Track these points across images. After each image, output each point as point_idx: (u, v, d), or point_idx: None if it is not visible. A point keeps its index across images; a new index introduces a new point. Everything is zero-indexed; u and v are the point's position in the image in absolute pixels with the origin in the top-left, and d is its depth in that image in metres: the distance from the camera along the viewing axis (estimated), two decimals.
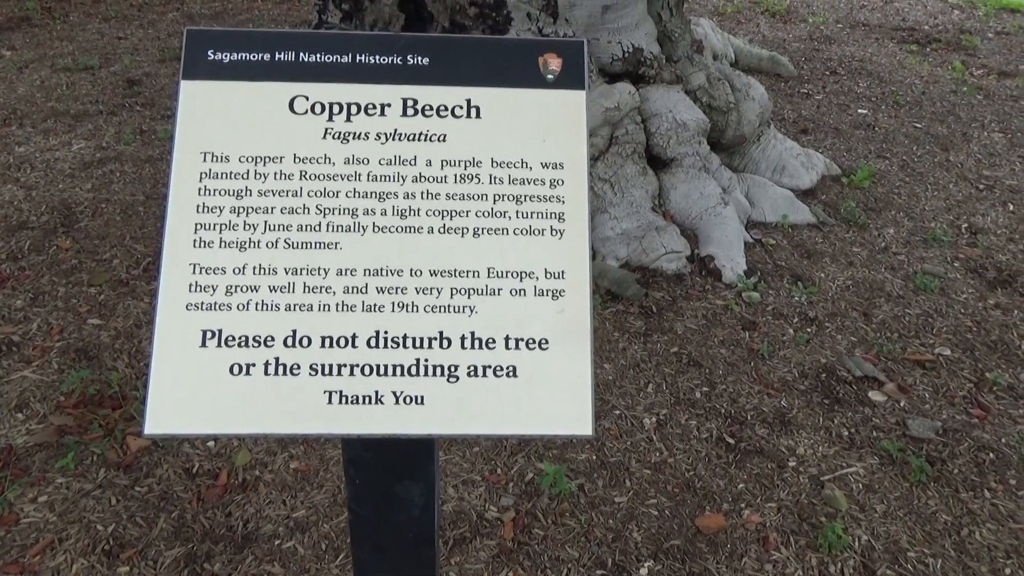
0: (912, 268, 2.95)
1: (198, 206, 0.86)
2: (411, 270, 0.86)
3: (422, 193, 0.88)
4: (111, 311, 2.37)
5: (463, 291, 0.87)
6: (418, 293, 0.86)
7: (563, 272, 0.91)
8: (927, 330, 2.58)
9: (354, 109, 0.88)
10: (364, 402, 0.83)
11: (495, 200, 0.89)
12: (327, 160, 0.87)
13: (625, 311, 2.52)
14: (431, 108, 0.90)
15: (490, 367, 0.85)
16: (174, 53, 5.18)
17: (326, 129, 0.88)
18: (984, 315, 2.69)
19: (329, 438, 0.74)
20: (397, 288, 0.86)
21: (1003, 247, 3.17)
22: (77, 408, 1.97)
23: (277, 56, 0.88)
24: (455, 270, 0.87)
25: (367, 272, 0.86)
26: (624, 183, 2.86)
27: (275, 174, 0.87)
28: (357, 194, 0.87)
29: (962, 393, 2.29)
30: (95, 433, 1.90)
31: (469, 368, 0.85)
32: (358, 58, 0.89)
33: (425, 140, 0.89)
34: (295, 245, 0.86)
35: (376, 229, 0.87)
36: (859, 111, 4.66)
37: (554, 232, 0.91)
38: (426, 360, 0.85)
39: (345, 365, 0.84)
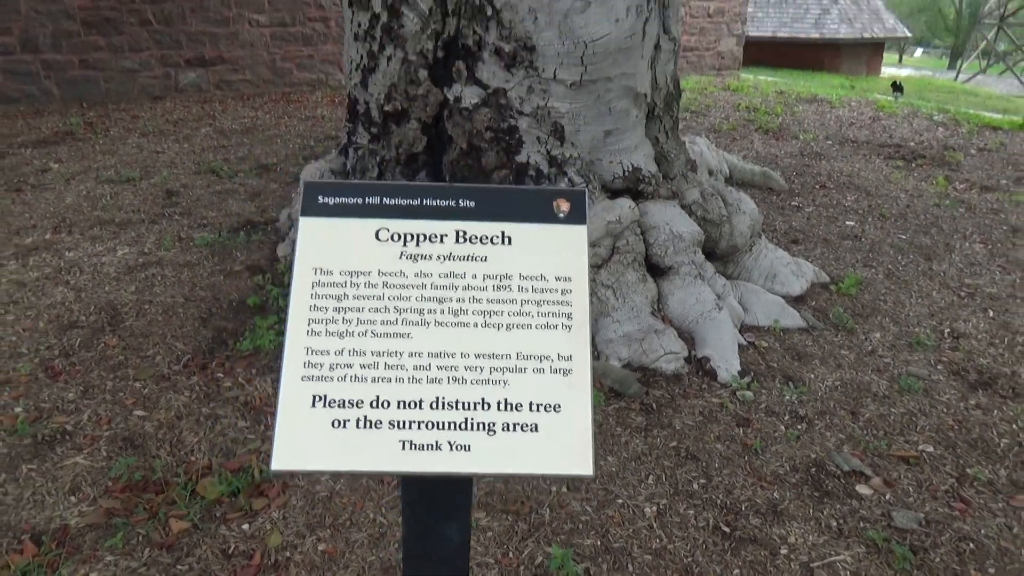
0: (897, 370, 3.14)
1: (310, 306, 1.17)
2: (461, 353, 1.16)
3: (469, 298, 1.20)
4: (154, 403, 2.57)
5: (499, 369, 1.16)
6: (466, 370, 1.16)
7: (571, 356, 1.19)
8: (911, 428, 2.75)
9: (421, 237, 1.22)
10: (427, 449, 1.12)
11: (522, 304, 1.21)
12: (401, 274, 1.20)
13: (627, 408, 2.71)
14: (476, 237, 1.23)
15: (518, 424, 1.14)
16: (208, 166, 5.59)
17: (401, 252, 1.21)
18: (965, 415, 2.86)
19: (402, 475, 0.96)
20: (451, 367, 1.16)
21: (984, 351, 3.37)
22: (124, 492, 2.14)
23: (367, 200, 1.20)
24: (493, 354, 1.17)
25: (430, 355, 1.16)
26: (625, 289, 3.11)
27: (364, 283, 1.19)
28: (423, 299, 1.19)
29: (944, 487, 2.44)
30: (140, 515, 2.07)
31: (503, 425, 1.14)
32: (424, 201, 1.20)
33: (472, 260, 1.22)
34: (379, 335, 1.17)
35: (436, 324, 1.18)
36: (847, 223, 4.97)
37: (564, 327, 1.19)
38: (472, 419, 1.14)
39: (414, 422, 1.14)
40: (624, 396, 2.76)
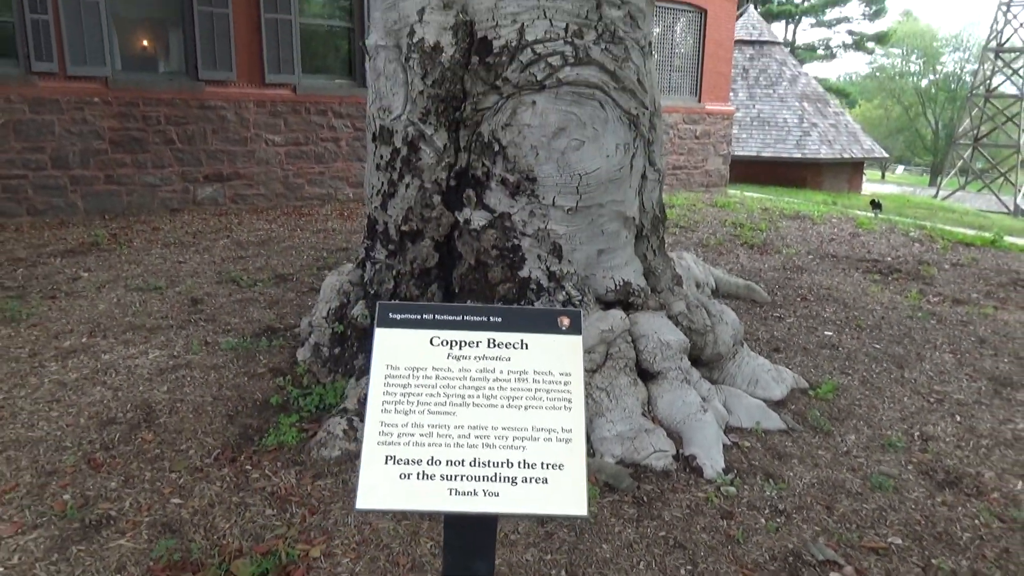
0: (870, 469, 3.40)
1: (384, 392, 1.54)
2: (491, 427, 1.53)
3: (498, 387, 1.58)
4: (189, 492, 2.82)
5: (519, 438, 1.53)
6: (496, 439, 1.52)
7: (571, 429, 1.56)
8: (882, 522, 3.00)
9: (463, 343, 1.60)
10: (467, 494, 1.47)
11: (535, 392, 1.59)
12: (448, 370, 1.58)
13: (620, 500, 2.96)
14: (503, 343, 1.61)
15: (533, 478, 1.50)
16: (229, 276, 5.98)
17: (448, 353, 1.59)
18: (932, 511, 3.11)
19: (447, 514, 1.28)
20: (485, 436, 1.53)
21: (951, 453, 3.64)
22: (164, 572, 2.37)
23: (423, 316, 1.55)
24: (515, 427, 1.54)
25: (469, 427, 1.53)
26: (618, 392, 3.41)
27: (422, 376, 1.57)
28: (464, 387, 1.57)
29: None
30: None
31: (522, 478, 1.49)
32: (464, 318, 1.55)
33: (499, 360, 1.61)
34: (432, 412, 1.54)
35: (474, 405, 1.55)
36: (825, 333, 5.33)
37: (566, 408, 1.56)
38: (499, 474, 1.49)
39: (458, 475, 1.49)
40: (617, 490, 3.02)
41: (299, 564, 2.46)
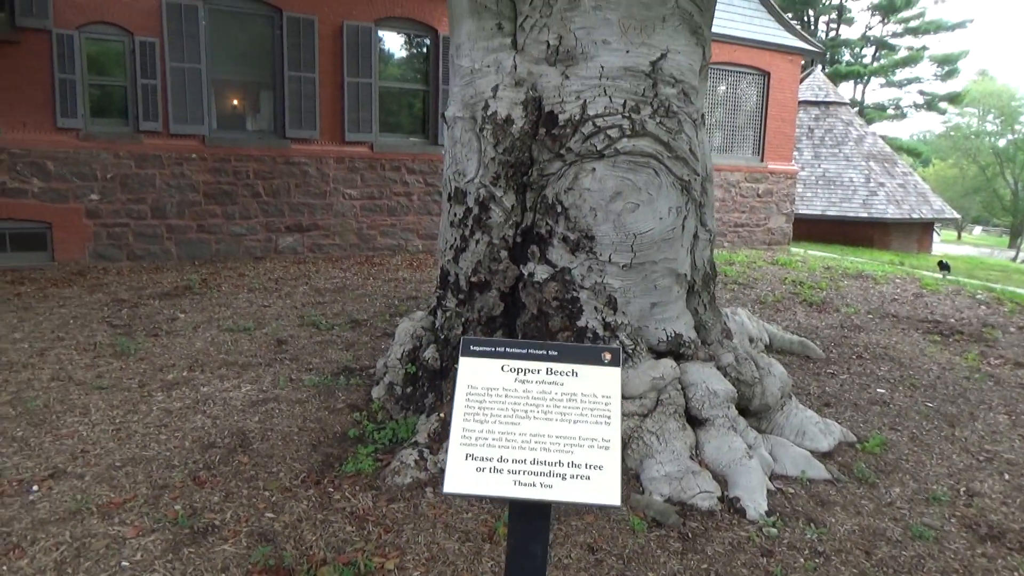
0: (912, 520, 3.54)
1: (465, 406, 1.88)
2: (547, 435, 1.87)
3: (553, 405, 1.93)
4: (280, 509, 3.19)
5: (569, 445, 1.87)
6: (551, 444, 1.85)
7: (609, 439, 1.89)
8: (919, 568, 3.14)
9: (527, 371, 1.93)
10: (528, 485, 1.80)
11: (582, 410, 1.93)
12: (515, 391, 1.92)
13: (666, 535, 3.20)
14: (558, 372, 1.95)
15: (579, 475, 1.83)
16: (309, 320, 6.47)
17: (515, 378, 1.94)
18: (971, 561, 3.24)
19: (511, 500, 1.65)
20: (542, 442, 1.86)
21: (996, 509, 3.74)
22: (262, 574, 2.73)
23: (495, 349, 1.89)
24: (566, 436, 1.88)
25: (531, 435, 1.87)
26: (667, 436, 3.66)
27: (495, 395, 1.93)
28: (527, 404, 1.93)
29: None
30: None
31: (571, 475, 1.83)
32: (528, 351, 1.88)
33: (555, 384, 1.95)
34: (502, 423, 1.88)
35: (534, 418, 1.89)
36: (878, 390, 5.44)
37: (605, 423, 1.88)
38: (553, 471, 1.84)
39: (521, 471, 1.82)
40: (664, 525, 3.25)
41: (376, 574, 2.78)
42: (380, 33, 11.11)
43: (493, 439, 1.89)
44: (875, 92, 41.60)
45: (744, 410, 4.19)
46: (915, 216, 19.60)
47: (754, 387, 4.20)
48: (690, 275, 4.16)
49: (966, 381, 5.81)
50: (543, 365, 1.98)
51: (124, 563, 2.75)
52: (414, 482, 3.43)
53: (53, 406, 4.21)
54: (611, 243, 3.78)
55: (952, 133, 57.61)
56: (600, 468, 1.84)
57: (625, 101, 3.72)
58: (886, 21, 39.21)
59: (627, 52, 3.70)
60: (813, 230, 20.16)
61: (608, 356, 1.97)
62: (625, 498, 3.44)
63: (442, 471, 3.43)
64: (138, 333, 5.82)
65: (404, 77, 11.73)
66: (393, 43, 11.62)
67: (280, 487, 3.37)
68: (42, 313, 6.42)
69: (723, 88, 14.94)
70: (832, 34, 40.00)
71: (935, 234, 27.48)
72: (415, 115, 11.84)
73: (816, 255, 15.83)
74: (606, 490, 1.81)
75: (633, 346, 3.85)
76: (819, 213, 19.92)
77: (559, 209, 3.83)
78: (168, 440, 3.82)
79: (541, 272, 3.91)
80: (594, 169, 3.73)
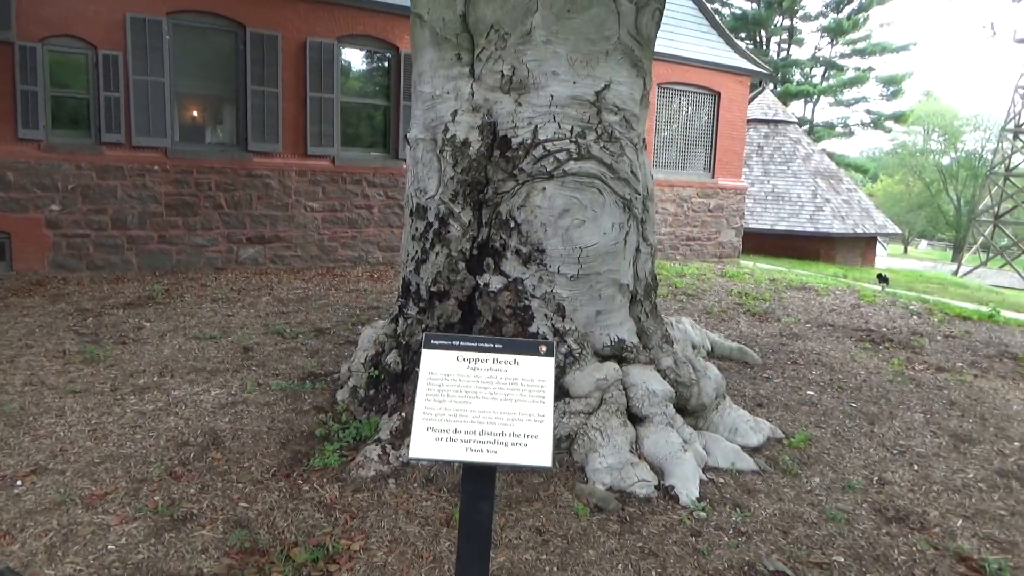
0: (828, 505, 3.95)
1: (426, 388, 2.19)
2: (494, 411, 2.18)
3: (498, 387, 2.26)
4: (254, 499, 3.46)
5: (510, 419, 2.18)
6: (496, 419, 2.16)
7: (543, 414, 2.21)
8: (829, 545, 3.54)
9: (477, 360, 2.25)
10: (478, 451, 2.12)
11: (521, 391, 2.23)
12: (467, 376, 2.24)
13: (607, 519, 3.54)
14: (502, 361, 2.28)
15: (518, 443, 2.17)
16: (274, 328, 6.70)
17: (468, 366, 2.25)
18: (876, 539, 3.64)
19: (465, 463, 2.08)
20: (490, 416, 2.17)
21: (904, 495, 4.17)
22: (239, 555, 2.99)
23: (453, 343, 2.22)
24: (508, 412, 2.18)
25: (480, 411, 2.19)
26: (610, 432, 4.02)
27: (450, 379, 2.25)
28: (477, 387, 2.26)
29: None
30: (251, 570, 2.91)
31: (511, 443, 2.14)
32: (478, 345, 2.21)
33: (500, 372, 2.26)
34: (456, 402, 2.20)
35: (482, 398, 2.19)
36: (808, 392, 5.89)
37: (541, 402, 2.17)
38: (498, 439, 2.16)
39: (472, 440, 2.14)
40: (605, 511, 3.60)
41: (343, 555, 3.07)
42: (342, 49, 11.38)
43: (449, 415, 2.25)
44: (824, 111, 43.13)
45: (682, 409, 4.57)
46: (859, 231, 20.47)
47: (691, 388, 4.59)
48: (632, 285, 4.54)
49: (889, 384, 6.30)
50: (490, 356, 2.33)
51: (110, 547, 3.00)
52: (377, 474, 3.72)
53: (29, 408, 4.40)
54: (560, 256, 4.14)
55: (898, 151, 59.73)
56: (536, 437, 2.21)
57: (572, 127, 4.09)
58: (834, 42, 40.70)
59: (574, 83, 4.08)
60: (763, 244, 20.90)
61: (543, 348, 2.31)
62: (571, 487, 3.78)
63: (404, 464, 3.74)
64: (105, 341, 5.99)
65: (366, 92, 12.00)
66: (355, 59, 11.90)
67: (252, 480, 3.63)
68: (6, 322, 6.54)
69: (675, 106, 15.52)
70: (783, 54, 41.34)
71: (881, 247, 28.56)
72: (376, 129, 12.11)
73: (764, 268, 16.48)
74: (540, 454, 2.18)
75: (580, 350, 4.20)
76: (768, 228, 20.67)
77: (512, 224, 4.17)
78: (143, 439, 4.05)
79: (496, 282, 4.24)
80: (544, 188, 4.09)
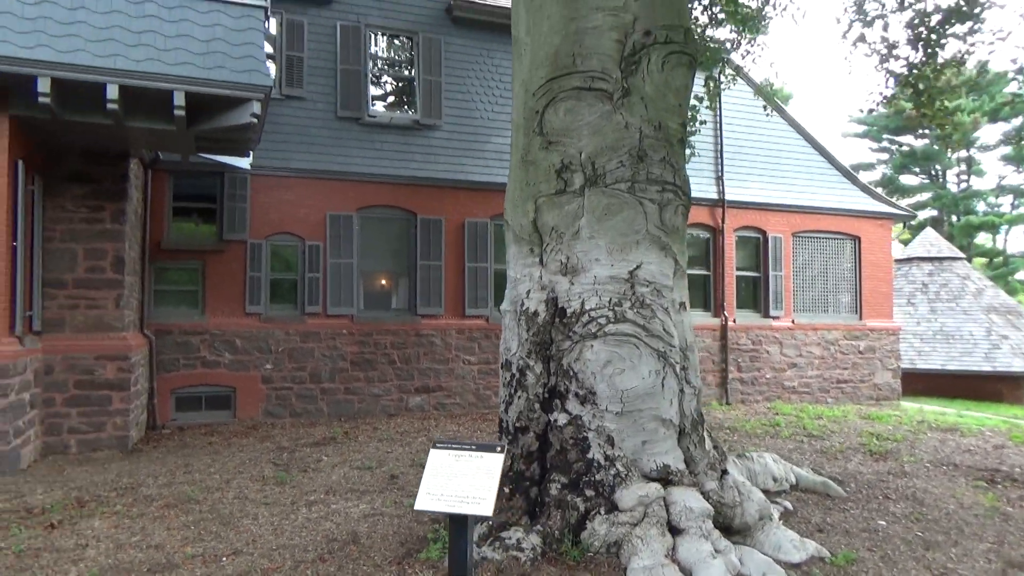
0: None
1: (431, 470, 3.46)
2: (467, 485, 3.38)
3: (470, 471, 3.43)
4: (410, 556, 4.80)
5: (474, 487, 3.35)
6: (467, 487, 3.36)
7: (490, 486, 3.37)
8: None
9: (460, 456, 3.50)
10: (455, 506, 3.29)
11: (480, 474, 3.42)
12: (453, 465, 3.47)
13: None
14: (474, 456, 3.50)
15: (476, 501, 3.31)
16: (419, 461, 8.23)
17: (455, 459, 3.48)
18: None
19: (449, 514, 3.14)
20: (461, 487, 3.37)
21: None
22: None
23: (450, 445, 3.53)
24: (474, 484, 3.37)
25: (457, 484, 3.39)
26: (649, 540, 4.98)
27: (444, 466, 3.48)
28: (458, 472, 3.45)
29: None
30: None
31: (471, 501, 3.31)
32: (461, 446, 3.51)
33: (471, 461, 3.48)
34: (446, 480, 3.42)
35: (461, 476, 3.40)
36: (879, 522, 6.32)
37: (489, 478, 3.36)
38: (466, 499, 3.33)
39: (452, 499, 3.33)
40: None
41: None
42: (494, 226, 13.51)
43: (440, 485, 3.47)
44: (1018, 240, 40.20)
45: (728, 527, 5.40)
46: None
47: (735, 508, 5.43)
48: (679, 421, 5.58)
49: (973, 517, 6.52)
50: (468, 453, 3.54)
51: None
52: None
53: (235, 514, 6.12)
54: (607, 397, 5.33)
55: None
56: (484, 499, 3.35)
57: (611, 299, 5.41)
58: (1020, 170, 38.75)
59: (612, 265, 5.44)
60: (935, 385, 20.01)
61: (499, 449, 3.51)
62: None
63: (483, 559, 4.93)
64: (293, 470, 7.79)
65: None
66: (502, 234, 13.96)
67: (374, 564, 4.99)
68: (228, 456, 8.60)
69: (812, 252, 16.14)
70: (963, 185, 39.89)
71: None
72: None
73: (930, 409, 15.93)
74: (485, 508, 3.31)
75: (626, 472, 5.27)
76: (939, 367, 19.85)
77: (571, 373, 5.46)
78: (306, 535, 5.58)
79: (562, 419, 5.48)
80: (592, 345, 5.38)
